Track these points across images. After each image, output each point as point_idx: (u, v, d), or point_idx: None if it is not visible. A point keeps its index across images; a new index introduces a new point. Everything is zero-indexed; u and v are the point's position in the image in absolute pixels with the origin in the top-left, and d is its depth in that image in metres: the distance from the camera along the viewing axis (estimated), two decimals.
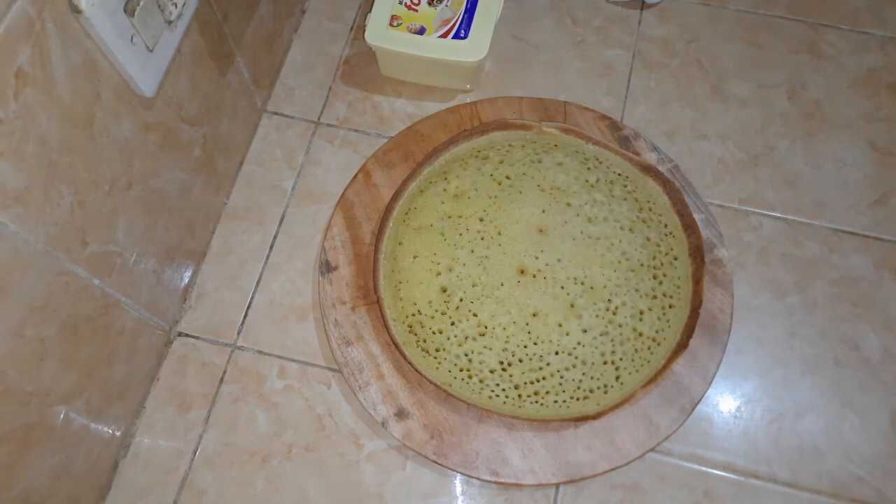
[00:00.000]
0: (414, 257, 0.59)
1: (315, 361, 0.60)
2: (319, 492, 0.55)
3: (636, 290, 0.57)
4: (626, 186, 0.62)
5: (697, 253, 0.58)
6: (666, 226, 0.60)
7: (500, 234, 0.60)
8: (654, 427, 0.54)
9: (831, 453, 0.56)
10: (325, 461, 0.56)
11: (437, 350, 0.56)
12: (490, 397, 0.55)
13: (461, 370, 0.56)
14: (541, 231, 0.60)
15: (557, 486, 0.55)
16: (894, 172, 0.66)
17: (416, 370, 0.55)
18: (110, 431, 0.55)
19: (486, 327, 0.57)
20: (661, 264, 0.59)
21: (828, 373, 0.59)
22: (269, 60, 0.69)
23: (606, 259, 0.58)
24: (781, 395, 0.58)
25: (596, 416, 0.54)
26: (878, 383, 0.58)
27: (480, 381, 0.55)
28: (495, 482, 0.54)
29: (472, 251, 0.59)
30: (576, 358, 0.56)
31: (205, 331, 0.61)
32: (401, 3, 0.65)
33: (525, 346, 0.56)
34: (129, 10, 0.42)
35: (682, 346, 0.55)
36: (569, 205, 0.61)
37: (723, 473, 0.56)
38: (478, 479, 0.54)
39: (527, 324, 0.57)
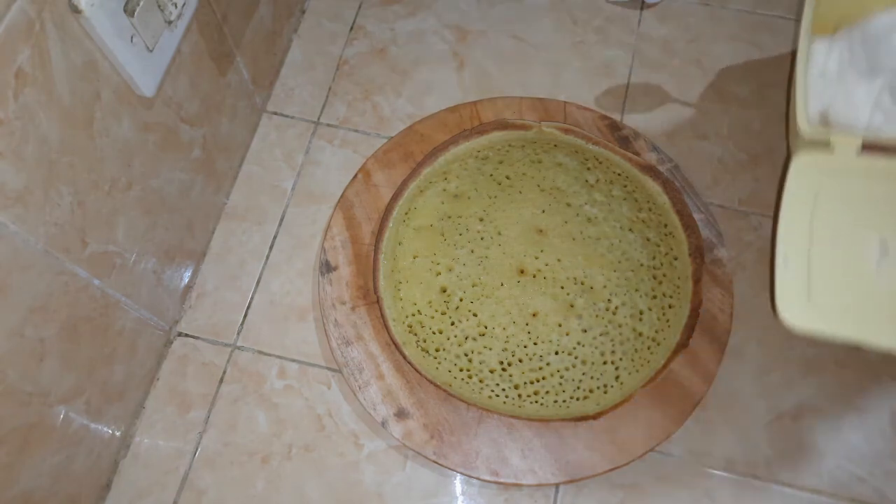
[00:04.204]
0: (414, 257, 0.59)
1: (315, 361, 0.60)
2: (319, 492, 0.55)
3: (636, 290, 0.57)
4: (625, 186, 0.62)
5: (697, 253, 0.58)
6: (666, 226, 0.60)
7: (499, 234, 0.60)
8: (654, 427, 0.54)
9: (831, 453, 0.56)
10: (325, 461, 0.56)
11: (437, 350, 0.56)
12: (490, 397, 0.55)
13: (461, 370, 0.56)
14: (540, 231, 0.60)
15: (557, 486, 0.55)
16: None
17: (416, 370, 0.55)
18: (110, 431, 0.55)
19: (486, 327, 0.57)
20: (661, 264, 0.59)
21: (828, 373, 0.59)
22: (269, 60, 0.69)
23: (606, 259, 0.58)
24: (781, 395, 0.58)
25: (596, 416, 0.54)
26: (878, 383, 0.58)
27: (480, 381, 0.55)
28: (495, 482, 0.54)
29: (472, 251, 0.59)
30: (576, 358, 0.56)
31: (205, 331, 0.61)
32: None
33: (525, 346, 0.56)
34: (128, 10, 0.42)
35: (681, 346, 0.55)
36: (569, 205, 0.61)
37: (723, 473, 0.56)
38: (478, 479, 0.54)
39: (527, 324, 0.57)
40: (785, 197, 0.41)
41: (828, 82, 0.44)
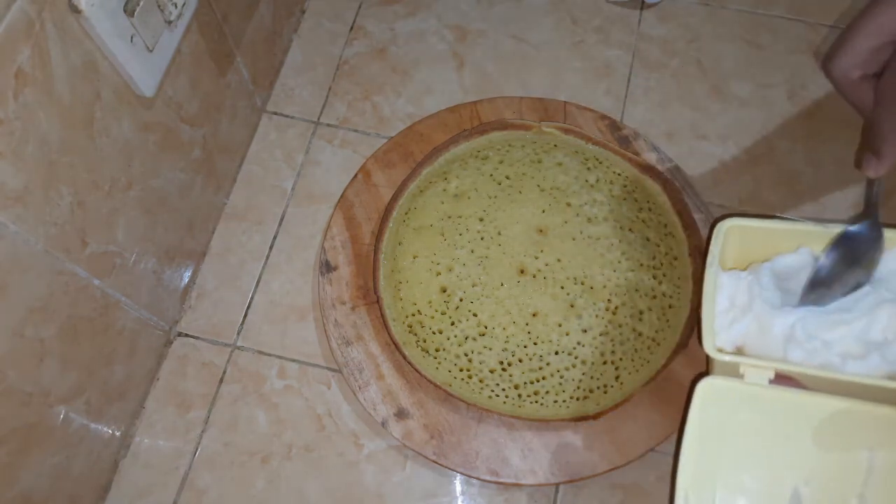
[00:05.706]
0: (414, 257, 0.59)
1: (315, 361, 0.60)
2: (319, 492, 0.55)
3: (636, 290, 0.57)
4: (625, 186, 0.62)
5: (697, 253, 0.58)
6: (666, 226, 0.60)
7: (499, 234, 0.60)
8: (654, 427, 0.54)
9: None
10: (325, 461, 0.56)
11: (437, 350, 0.56)
12: (490, 397, 0.55)
13: (461, 370, 0.56)
14: (541, 231, 0.60)
15: (557, 486, 0.55)
16: (894, 172, 0.66)
17: (416, 370, 0.55)
18: (110, 431, 0.55)
19: (486, 327, 0.57)
20: (661, 264, 0.59)
21: None
22: (269, 60, 0.69)
23: (606, 259, 0.58)
24: None
25: (596, 416, 0.54)
26: None
27: (480, 381, 0.55)
28: (495, 482, 0.54)
29: (472, 251, 0.59)
30: (576, 358, 0.56)
31: (205, 331, 0.61)
32: None
33: (525, 346, 0.56)
34: (128, 10, 0.42)
35: (681, 346, 0.55)
36: (569, 205, 0.61)
37: None
38: (478, 479, 0.54)
39: (527, 324, 0.57)
40: (689, 425, 0.37)
41: (737, 313, 0.41)
